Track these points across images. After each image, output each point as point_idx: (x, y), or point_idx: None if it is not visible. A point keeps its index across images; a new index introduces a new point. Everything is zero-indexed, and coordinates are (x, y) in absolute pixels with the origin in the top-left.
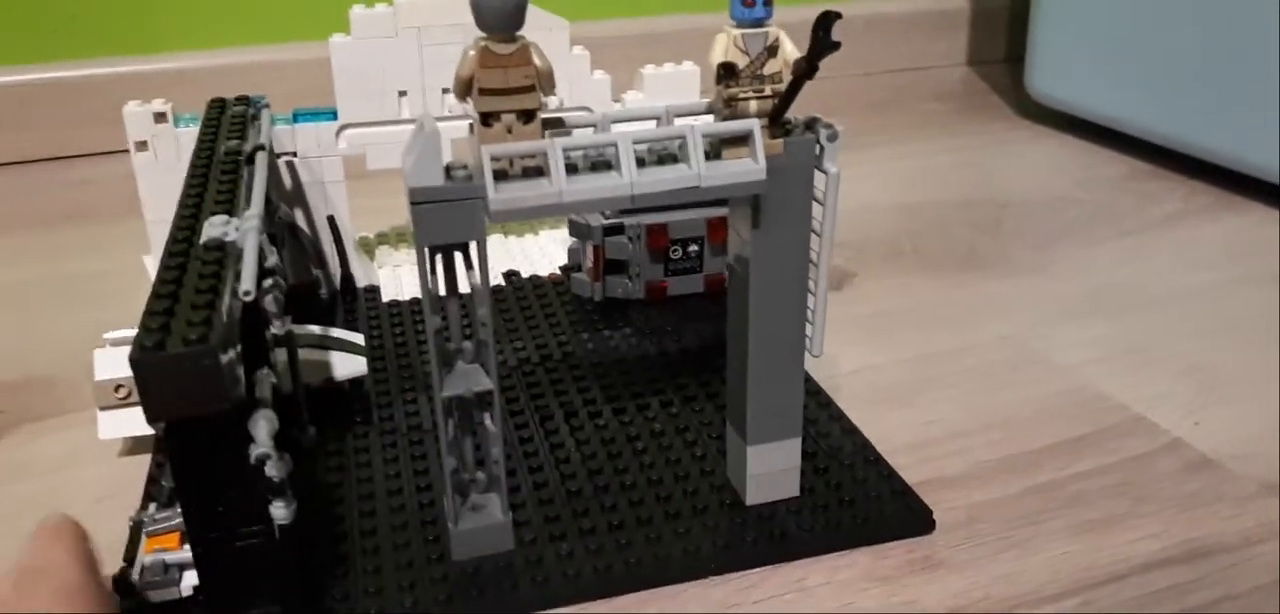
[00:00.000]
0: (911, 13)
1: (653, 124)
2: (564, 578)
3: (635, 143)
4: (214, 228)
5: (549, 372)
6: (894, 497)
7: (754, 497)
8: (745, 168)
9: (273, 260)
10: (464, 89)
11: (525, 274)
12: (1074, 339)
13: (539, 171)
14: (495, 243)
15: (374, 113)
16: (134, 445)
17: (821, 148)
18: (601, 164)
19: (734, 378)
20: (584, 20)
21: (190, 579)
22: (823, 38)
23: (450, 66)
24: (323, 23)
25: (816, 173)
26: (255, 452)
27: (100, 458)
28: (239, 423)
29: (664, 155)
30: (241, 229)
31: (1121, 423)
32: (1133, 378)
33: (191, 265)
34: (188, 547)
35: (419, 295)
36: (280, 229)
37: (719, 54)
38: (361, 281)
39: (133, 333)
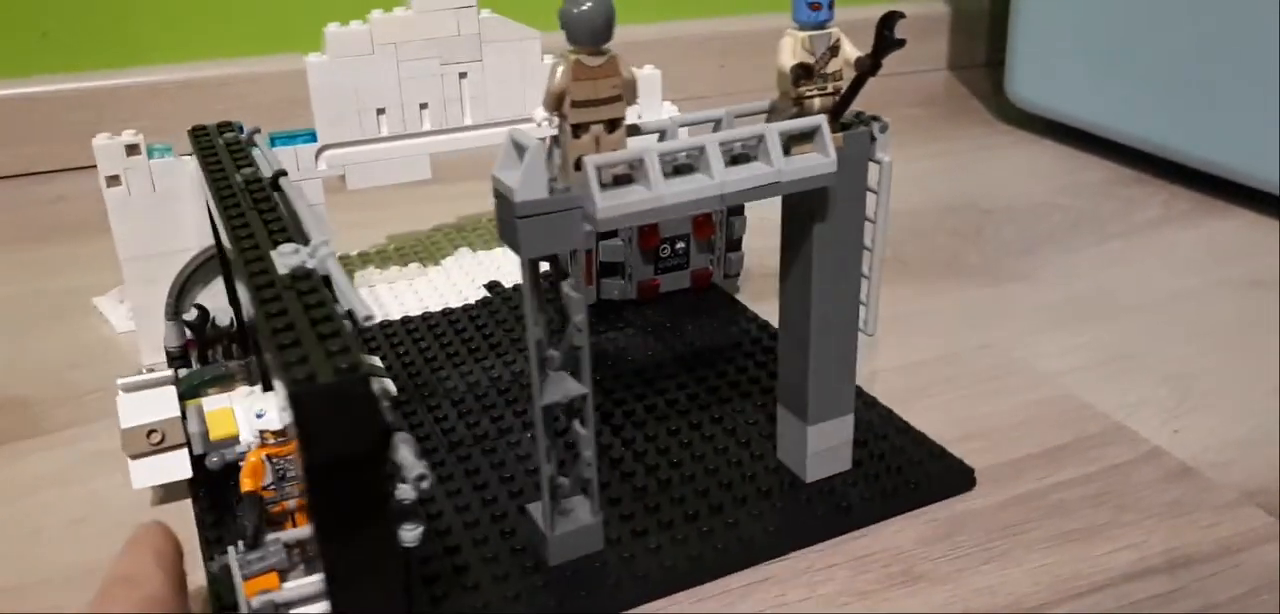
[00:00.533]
0: None
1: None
2: (660, 570)
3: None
4: (286, 257)
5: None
6: (933, 459)
7: (813, 474)
8: (818, 161)
9: None
10: (557, 102)
11: (507, 284)
12: (1056, 347)
13: (629, 179)
14: (465, 256)
15: (352, 132)
16: (165, 494)
17: (874, 139)
18: (685, 167)
19: (790, 363)
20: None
21: None
22: (887, 36)
23: (427, 82)
24: (296, 36)
25: (870, 163)
26: (413, 471)
27: (76, 479)
28: (382, 449)
29: (738, 155)
30: (318, 255)
31: (1102, 431)
32: (1114, 386)
33: (288, 296)
34: (291, 585)
35: (420, 313)
36: None
37: (789, 57)
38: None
39: (148, 376)
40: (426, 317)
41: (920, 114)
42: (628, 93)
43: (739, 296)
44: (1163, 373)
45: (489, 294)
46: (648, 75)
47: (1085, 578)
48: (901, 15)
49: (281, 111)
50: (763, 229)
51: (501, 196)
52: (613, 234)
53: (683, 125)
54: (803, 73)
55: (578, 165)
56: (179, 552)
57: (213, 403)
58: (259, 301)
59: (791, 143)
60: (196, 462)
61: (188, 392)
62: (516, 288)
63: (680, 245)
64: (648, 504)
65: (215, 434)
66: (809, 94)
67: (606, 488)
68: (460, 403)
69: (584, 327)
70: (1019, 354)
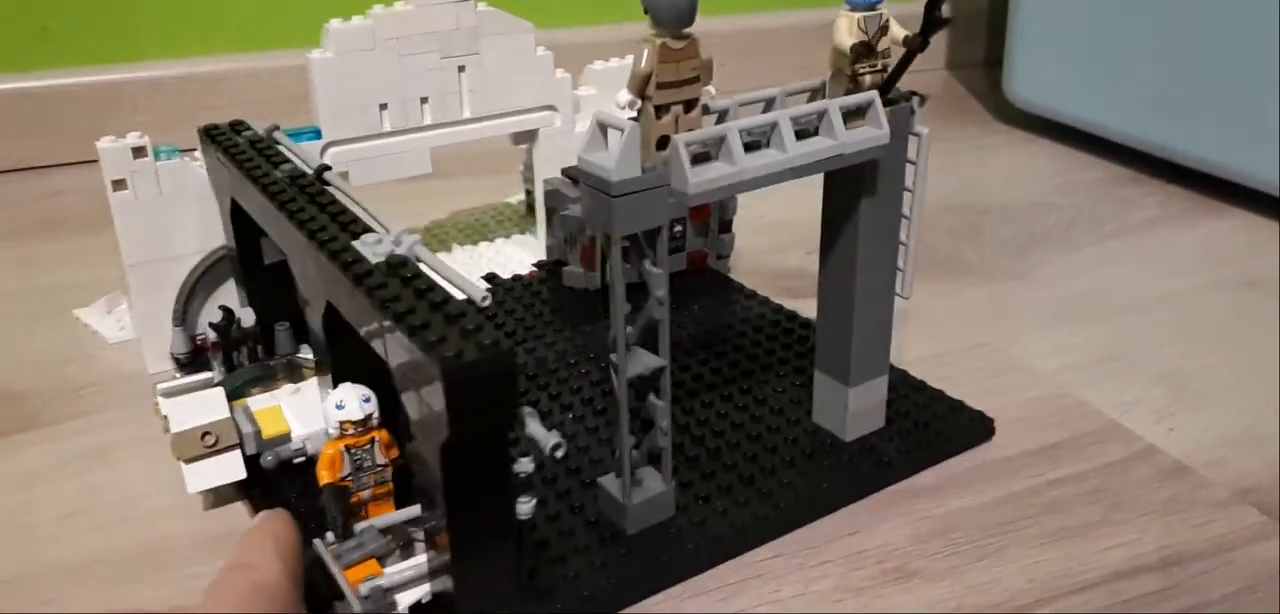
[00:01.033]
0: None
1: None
2: (732, 531)
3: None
4: (369, 246)
5: (593, 358)
6: (954, 413)
7: (852, 433)
8: (874, 134)
9: None
10: (643, 84)
11: (504, 276)
12: (1051, 345)
13: (706, 156)
14: (465, 251)
15: (356, 128)
16: (215, 498)
17: (913, 113)
18: (756, 143)
19: (832, 329)
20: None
21: (406, 599)
22: (935, 15)
23: (428, 76)
24: (295, 32)
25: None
26: (549, 443)
27: (70, 475)
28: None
29: (800, 130)
30: (405, 243)
31: (1097, 429)
32: (1109, 384)
33: (393, 283)
34: (393, 569)
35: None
36: None
37: (847, 36)
38: (473, 292)
39: (185, 380)
40: None
41: (918, 113)
42: (705, 74)
43: (733, 276)
44: (1157, 372)
45: (487, 285)
46: (619, 66)
47: (1079, 575)
48: None
49: (283, 108)
50: (747, 224)
51: (590, 178)
52: None
53: (742, 106)
54: (863, 52)
55: (660, 145)
56: (299, 541)
57: (259, 402)
58: (369, 290)
59: (847, 118)
60: (248, 462)
61: (233, 392)
62: (517, 278)
63: (677, 228)
64: (703, 472)
65: (267, 433)
66: (862, 71)
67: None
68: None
69: (665, 300)
70: (1015, 352)
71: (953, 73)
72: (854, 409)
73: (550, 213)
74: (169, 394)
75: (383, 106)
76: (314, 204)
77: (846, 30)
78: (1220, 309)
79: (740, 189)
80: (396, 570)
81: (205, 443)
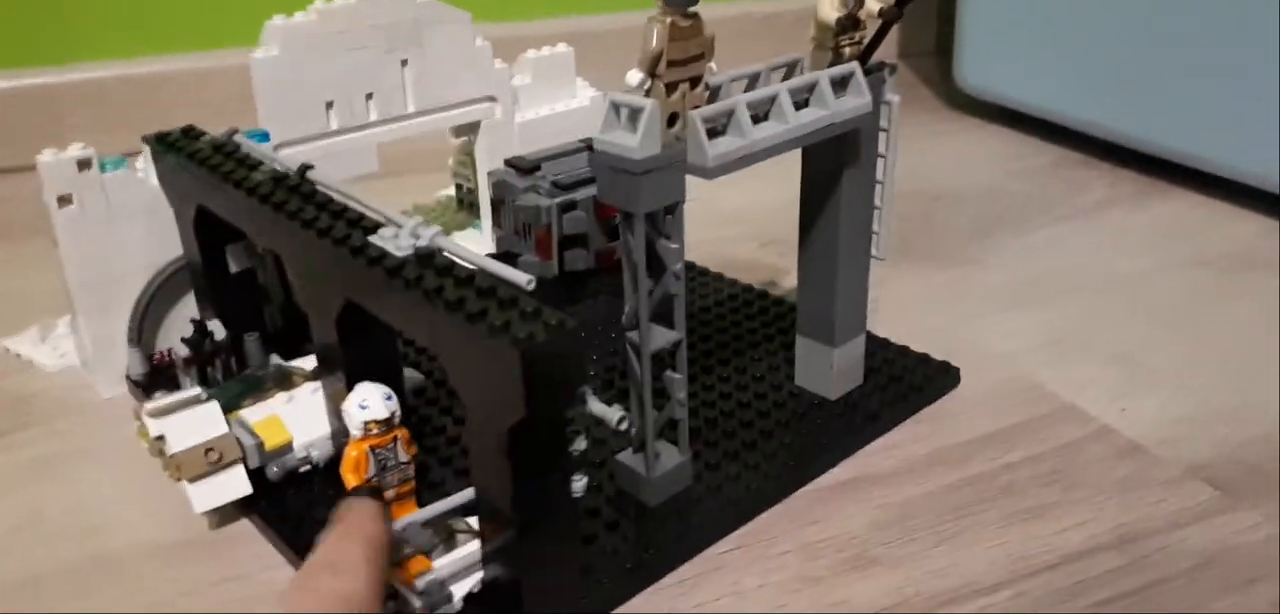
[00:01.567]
0: None
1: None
2: (748, 493)
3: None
4: (389, 240)
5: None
6: (922, 364)
7: (837, 391)
8: (858, 102)
9: None
10: (654, 63)
11: None
12: (1005, 329)
13: (717, 131)
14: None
15: (303, 128)
16: (221, 518)
17: (884, 82)
18: (756, 117)
19: (815, 295)
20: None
21: (461, 589)
22: None
23: (372, 71)
24: (241, 29)
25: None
26: (614, 418)
27: (12, 488)
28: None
29: (796, 102)
30: (426, 234)
31: (1052, 412)
32: (1062, 366)
33: (432, 275)
34: (443, 561)
35: None
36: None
37: (830, 10)
38: (517, 277)
39: (174, 398)
40: None
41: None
42: (708, 51)
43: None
44: (1110, 353)
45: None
46: (561, 53)
47: (1037, 557)
48: None
49: (232, 109)
50: (702, 218)
51: (610, 158)
52: (573, 206)
53: (731, 82)
54: (849, 24)
55: (671, 121)
56: (388, 538)
57: (255, 413)
58: (408, 283)
59: (833, 88)
60: (251, 476)
61: (225, 406)
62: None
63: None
64: (706, 441)
65: (269, 444)
66: (843, 44)
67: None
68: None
69: (681, 275)
70: (968, 337)
71: (904, 61)
72: (838, 368)
73: (496, 205)
74: (158, 413)
75: (329, 104)
76: (311, 203)
77: (830, 4)
78: (1171, 289)
79: (751, 160)
80: (447, 562)
81: (209, 460)
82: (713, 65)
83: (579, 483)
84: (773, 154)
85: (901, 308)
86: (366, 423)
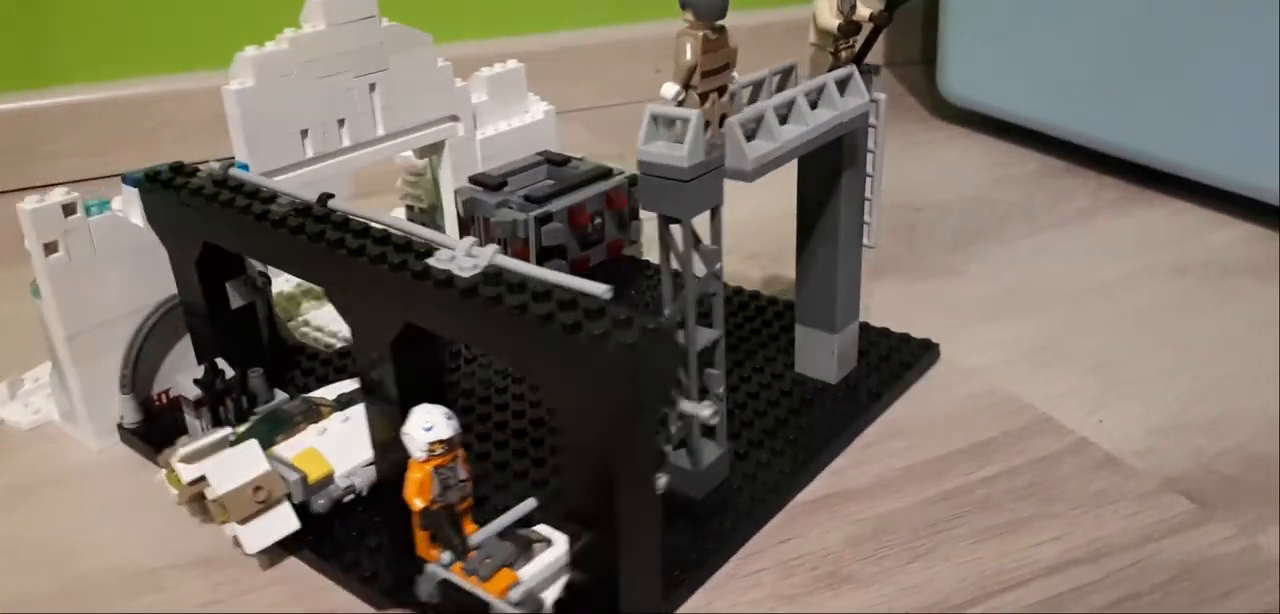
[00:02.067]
0: None
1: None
2: (781, 476)
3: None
4: (449, 262)
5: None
6: (905, 344)
7: (838, 375)
8: (860, 101)
9: None
10: (689, 75)
11: None
12: (983, 341)
13: (748, 135)
14: None
15: (281, 157)
16: (273, 557)
17: (871, 81)
18: (783, 118)
19: (816, 286)
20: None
21: (551, 597)
22: None
23: (344, 97)
24: (223, 52)
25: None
26: (706, 411)
27: None
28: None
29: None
30: (485, 254)
31: (1029, 424)
32: (1041, 378)
33: (511, 293)
34: (528, 571)
35: None
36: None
37: (829, 17)
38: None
39: (204, 441)
40: None
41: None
42: (732, 61)
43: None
44: (1089, 363)
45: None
46: (513, 69)
47: (1011, 573)
48: None
49: (215, 132)
50: None
51: (656, 168)
52: (550, 218)
53: (740, 88)
54: (850, 29)
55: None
56: None
57: (290, 449)
58: (488, 302)
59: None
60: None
61: (260, 444)
62: None
63: (598, 220)
64: (730, 432)
65: (312, 477)
66: (840, 48)
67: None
68: (490, 399)
69: (721, 274)
70: (946, 349)
71: (890, 70)
72: (839, 353)
73: (465, 222)
74: (192, 458)
75: (304, 133)
76: (349, 230)
77: (828, 11)
78: (1151, 298)
79: (780, 161)
80: (534, 571)
81: (257, 499)
82: (735, 74)
83: (661, 480)
84: (795, 154)
85: (881, 319)
86: (431, 444)
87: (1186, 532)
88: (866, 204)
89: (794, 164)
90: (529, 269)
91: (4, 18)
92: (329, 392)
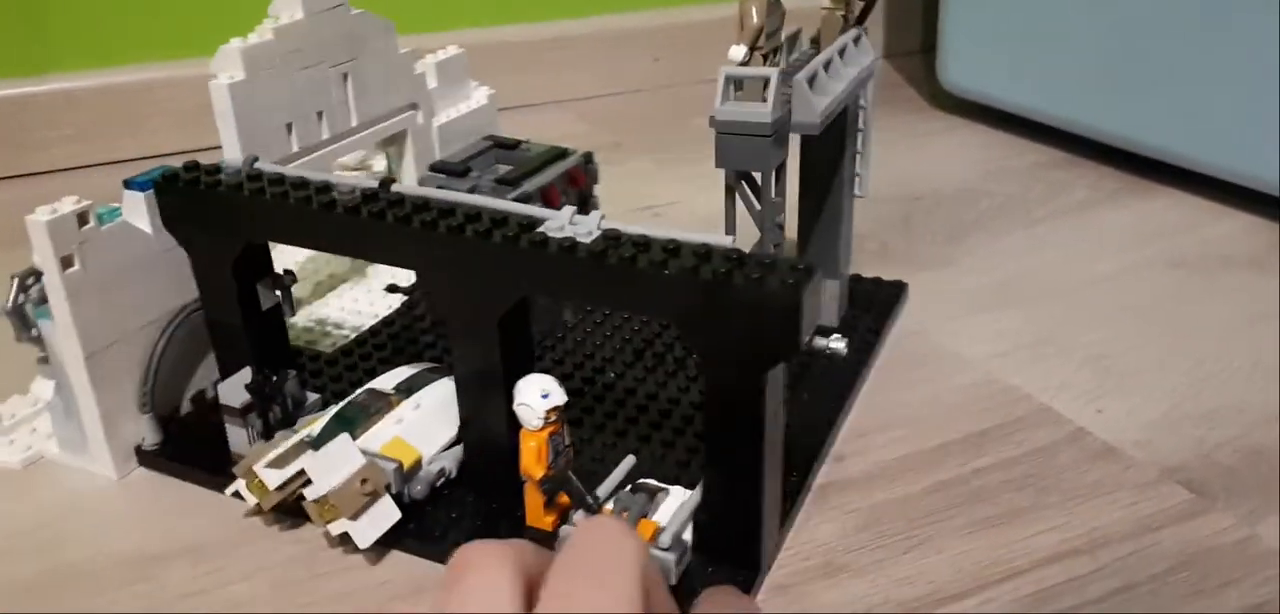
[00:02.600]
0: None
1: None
2: (831, 407)
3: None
4: (562, 230)
5: (577, 342)
6: (879, 286)
7: (837, 317)
8: (870, 56)
9: None
10: (756, 37)
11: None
12: (980, 332)
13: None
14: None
15: (273, 152)
16: (374, 556)
17: (859, 41)
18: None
19: (821, 232)
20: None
21: (688, 538)
22: None
23: (321, 88)
24: (216, 37)
25: None
26: (841, 347)
27: None
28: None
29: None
30: (593, 218)
31: (1026, 415)
32: (1038, 368)
33: (644, 253)
34: (666, 518)
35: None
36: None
37: None
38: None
39: (282, 447)
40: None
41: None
42: (781, 24)
43: None
44: (1086, 354)
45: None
46: (456, 55)
47: (1007, 563)
48: None
49: (209, 119)
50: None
51: (738, 125)
52: (527, 199)
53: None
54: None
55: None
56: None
57: (374, 440)
58: (624, 262)
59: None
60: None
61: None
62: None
63: (563, 199)
64: None
65: (407, 465)
66: (847, 12)
67: None
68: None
69: (783, 226)
70: (942, 340)
71: (889, 62)
72: (840, 296)
73: None
74: (276, 463)
75: (289, 126)
76: (439, 212)
77: None
78: (1148, 289)
79: (833, 113)
80: (669, 518)
81: (364, 491)
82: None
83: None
84: (841, 105)
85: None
86: (548, 412)
87: (1185, 522)
88: (857, 157)
89: None
90: (641, 228)
91: None
92: (385, 382)
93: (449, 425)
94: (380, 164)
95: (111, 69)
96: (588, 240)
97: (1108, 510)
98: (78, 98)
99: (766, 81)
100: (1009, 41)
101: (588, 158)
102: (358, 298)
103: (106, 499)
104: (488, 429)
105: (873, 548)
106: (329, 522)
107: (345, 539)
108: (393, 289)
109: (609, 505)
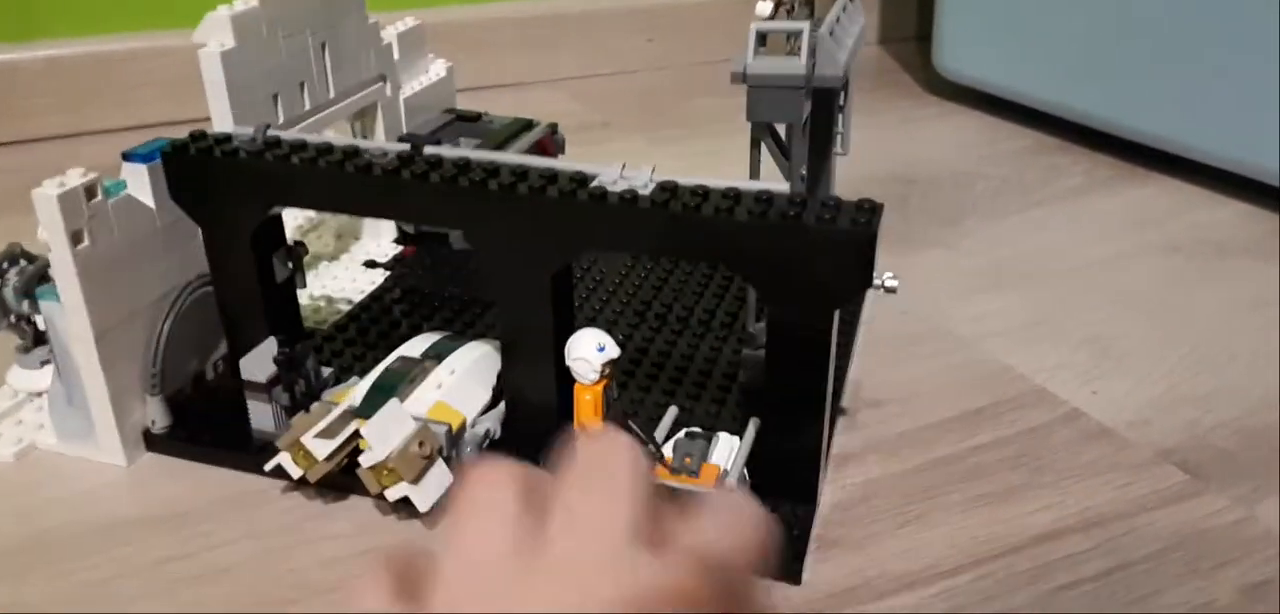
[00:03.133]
0: None
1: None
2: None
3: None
4: (619, 183)
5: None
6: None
7: None
8: (861, 23)
9: None
10: None
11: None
12: (976, 312)
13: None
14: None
15: (257, 121)
16: (431, 520)
17: (855, 2)
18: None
19: (811, 179)
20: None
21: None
22: None
23: (303, 59)
24: (191, 8)
25: None
26: (889, 281)
27: None
28: None
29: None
30: (645, 171)
31: (1022, 394)
32: (1034, 349)
33: (708, 202)
34: (725, 458)
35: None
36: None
37: None
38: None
39: (329, 418)
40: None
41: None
42: None
43: None
44: (1081, 336)
45: (386, 268)
46: (414, 27)
47: (1001, 540)
48: None
49: (195, 89)
50: None
51: (771, 79)
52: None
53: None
54: None
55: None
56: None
57: (418, 406)
58: (689, 210)
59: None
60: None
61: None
62: (396, 260)
63: None
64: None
65: (455, 427)
66: None
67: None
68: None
69: (804, 177)
70: (938, 320)
71: (885, 48)
72: None
73: None
74: (325, 434)
75: (275, 96)
76: (485, 171)
77: None
78: (1143, 273)
79: (847, 66)
80: (728, 460)
81: (423, 454)
82: None
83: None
84: (851, 60)
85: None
86: (603, 365)
87: (1180, 502)
88: (840, 115)
89: None
90: (692, 179)
91: None
92: (412, 348)
93: (485, 388)
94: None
95: (96, 37)
96: (646, 191)
97: (1102, 490)
98: (62, 65)
99: (796, 34)
100: (1004, 28)
101: (553, 128)
102: (338, 275)
103: (120, 489)
104: (536, 387)
105: (868, 522)
106: (387, 487)
107: (404, 503)
108: (372, 264)
109: (668, 451)
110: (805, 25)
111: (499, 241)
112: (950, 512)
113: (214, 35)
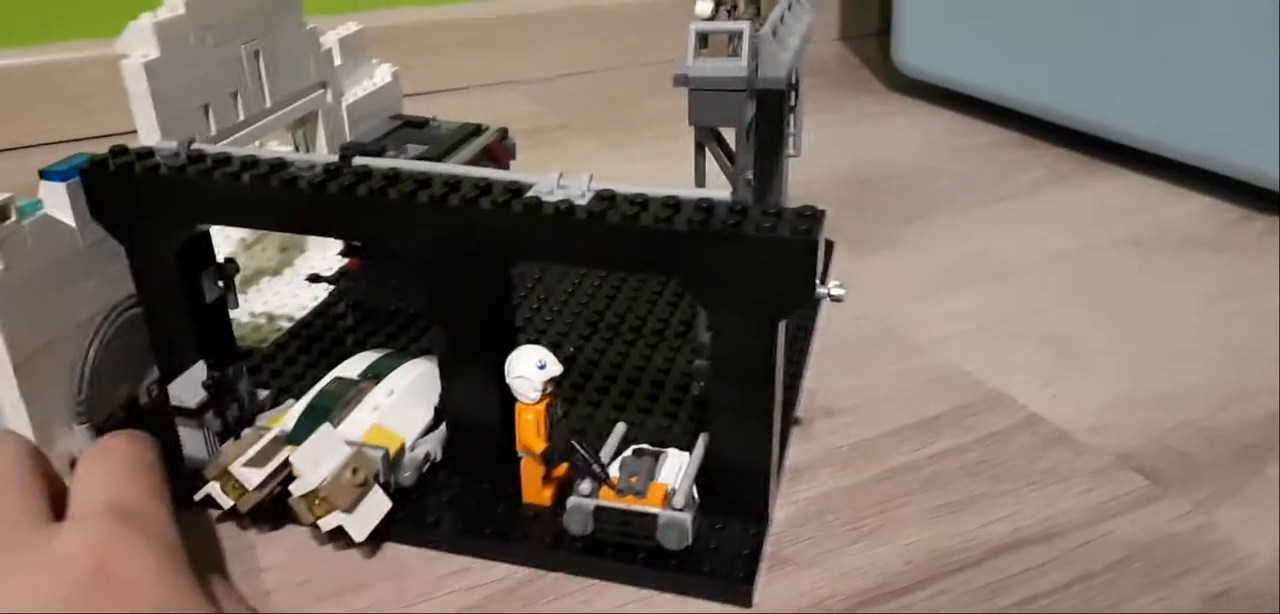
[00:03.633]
0: None
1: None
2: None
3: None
4: (551, 190)
5: (525, 319)
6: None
7: None
8: (809, 19)
9: None
10: None
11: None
12: (934, 314)
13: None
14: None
15: (186, 134)
16: (369, 549)
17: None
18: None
19: (761, 183)
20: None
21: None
22: None
23: (236, 68)
24: (114, 18)
25: None
26: (835, 291)
27: None
28: None
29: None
30: (581, 181)
31: (979, 399)
32: (993, 351)
33: (647, 211)
34: (673, 476)
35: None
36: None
37: None
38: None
39: (258, 445)
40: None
41: (810, 84)
42: None
43: None
44: (1041, 336)
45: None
46: (355, 31)
47: (959, 553)
48: None
49: (111, 104)
50: None
51: (711, 82)
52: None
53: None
54: None
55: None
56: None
57: (354, 430)
58: (628, 220)
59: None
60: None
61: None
62: (341, 272)
63: None
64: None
65: (392, 452)
66: None
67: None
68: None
69: (751, 182)
70: (894, 324)
71: (846, 44)
72: None
73: None
74: (254, 461)
75: (205, 108)
76: (417, 182)
77: None
78: (1104, 268)
79: (791, 67)
80: (678, 477)
81: (356, 480)
82: None
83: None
84: (795, 61)
85: None
86: (545, 383)
87: (1140, 509)
88: (791, 116)
89: None
90: (631, 186)
91: None
92: (349, 368)
93: (426, 408)
94: (280, 150)
95: (18, 49)
96: (583, 201)
97: (1062, 498)
98: None
99: (737, 36)
100: (964, 22)
101: (503, 133)
102: (280, 290)
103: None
104: (476, 407)
105: (821, 539)
106: (320, 517)
107: (341, 532)
108: (315, 279)
109: (614, 471)
110: (745, 26)
111: (433, 256)
112: (906, 525)
113: (137, 45)
